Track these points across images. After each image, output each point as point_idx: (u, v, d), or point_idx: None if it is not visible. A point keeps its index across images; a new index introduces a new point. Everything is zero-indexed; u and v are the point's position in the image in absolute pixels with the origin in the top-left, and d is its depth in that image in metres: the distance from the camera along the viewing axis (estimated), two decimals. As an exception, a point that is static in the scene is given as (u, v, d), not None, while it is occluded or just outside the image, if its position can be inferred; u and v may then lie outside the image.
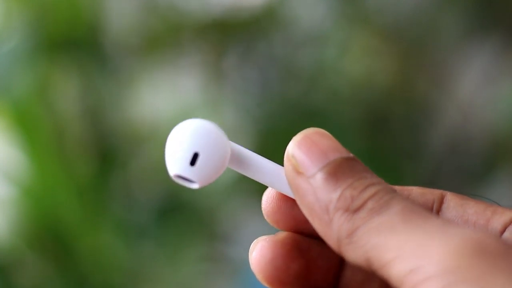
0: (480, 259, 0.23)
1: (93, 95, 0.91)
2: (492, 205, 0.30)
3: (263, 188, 0.33)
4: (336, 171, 0.28)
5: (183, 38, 0.96)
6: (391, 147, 0.97)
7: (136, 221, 0.89)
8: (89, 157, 0.89)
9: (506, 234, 0.29)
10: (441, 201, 0.31)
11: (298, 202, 0.29)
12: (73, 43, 0.89)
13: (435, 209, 0.31)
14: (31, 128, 0.85)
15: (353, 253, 0.27)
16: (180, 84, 0.95)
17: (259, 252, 0.31)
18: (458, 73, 0.99)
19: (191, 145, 0.29)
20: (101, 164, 0.89)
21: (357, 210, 0.27)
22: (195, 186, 0.30)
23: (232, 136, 0.94)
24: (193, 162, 0.29)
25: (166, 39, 0.94)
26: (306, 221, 0.31)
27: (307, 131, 0.30)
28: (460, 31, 0.99)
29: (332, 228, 0.27)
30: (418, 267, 0.24)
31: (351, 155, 0.29)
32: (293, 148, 0.29)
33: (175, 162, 0.29)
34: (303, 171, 0.28)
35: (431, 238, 0.24)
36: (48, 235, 0.85)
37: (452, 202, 0.31)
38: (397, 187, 0.32)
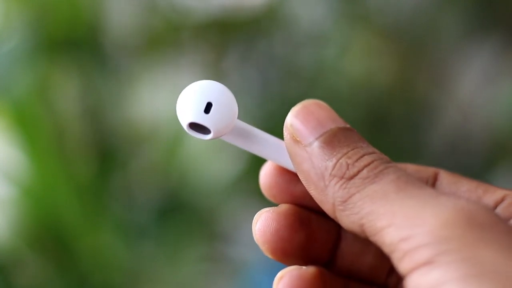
0: (471, 230, 0.24)
1: (93, 95, 0.91)
2: (484, 183, 0.31)
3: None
4: (332, 140, 0.29)
5: (183, 38, 0.96)
6: (391, 147, 0.97)
7: (136, 221, 0.89)
8: (89, 157, 0.89)
9: (497, 211, 0.30)
10: (434, 179, 0.32)
11: (296, 169, 0.29)
12: (73, 43, 0.89)
13: (429, 186, 0.31)
14: (31, 128, 0.85)
15: (348, 220, 0.27)
16: (180, 84, 0.95)
17: (264, 223, 0.31)
18: (458, 73, 0.99)
19: (204, 95, 0.30)
20: (101, 164, 0.89)
21: (351, 177, 0.27)
22: (208, 136, 0.30)
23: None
24: (207, 110, 0.30)
25: (166, 39, 0.94)
26: (302, 196, 0.32)
27: (305, 101, 0.30)
28: (460, 31, 0.99)
29: (327, 195, 0.28)
30: (410, 235, 0.24)
31: (348, 125, 0.30)
32: (291, 117, 0.30)
33: (189, 111, 0.30)
34: (300, 139, 0.29)
35: (424, 207, 0.25)
36: (48, 235, 0.85)
37: (446, 180, 0.32)
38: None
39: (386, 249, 0.25)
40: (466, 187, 0.31)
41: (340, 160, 0.28)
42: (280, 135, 0.31)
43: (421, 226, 0.24)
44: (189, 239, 0.90)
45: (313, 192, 0.29)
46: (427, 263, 0.24)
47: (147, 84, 0.94)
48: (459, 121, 0.99)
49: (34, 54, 0.87)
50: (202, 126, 0.30)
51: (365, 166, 0.27)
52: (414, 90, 1.00)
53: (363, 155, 0.28)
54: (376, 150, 0.29)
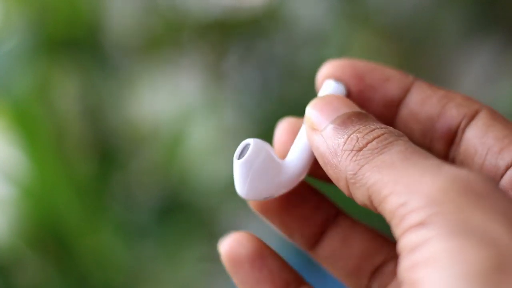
0: (464, 196, 0.24)
1: (93, 95, 0.91)
2: None
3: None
4: (345, 121, 0.29)
5: (183, 38, 0.96)
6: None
7: (136, 221, 0.89)
8: (89, 157, 0.89)
9: (511, 172, 0.30)
10: (472, 117, 0.32)
11: (315, 155, 0.30)
12: (73, 43, 0.89)
13: (463, 125, 0.32)
14: (31, 128, 0.85)
15: (358, 193, 0.27)
16: (180, 84, 0.95)
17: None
18: (458, 73, 0.99)
19: None
20: (101, 164, 0.89)
21: (361, 149, 0.28)
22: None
23: (232, 136, 0.94)
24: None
25: (166, 39, 0.94)
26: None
27: (325, 94, 0.31)
28: (460, 31, 0.99)
29: (340, 170, 0.28)
30: (406, 201, 0.25)
31: (365, 112, 0.30)
32: (309, 109, 0.31)
33: None
34: (316, 127, 0.30)
35: (424, 175, 0.25)
36: (48, 235, 0.85)
37: (481, 121, 0.31)
38: (442, 91, 0.33)
39: (387, 217, 0.26)
40: (494, 134, 0.31)
41: (351, 135, 0.28)
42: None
43: (418, 192, 0.24)
44: (189, 239, 0.90)
45: (329, 173, 0.29)
46: (419, 224, 0.24)
47: (147, 84, 0.94)
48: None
49: (34, 54, 0.87)
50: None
51: (375, 138, 0.28)
52: (414, 90, 1.00)
53: (374, 129, 0.28)
54: (388, 126, 0.29)
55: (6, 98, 0.85)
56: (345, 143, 0.28)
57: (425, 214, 0.24)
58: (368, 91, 0.34)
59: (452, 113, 0.32)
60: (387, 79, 0.34)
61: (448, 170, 0.25)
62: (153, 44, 0.94)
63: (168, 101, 0.93)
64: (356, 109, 0.30)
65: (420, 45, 1.00)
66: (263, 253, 0.31)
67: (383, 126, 0.28)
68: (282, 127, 0.34)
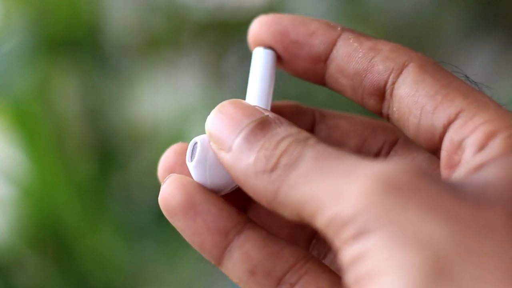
0: (390, 196, 0.23)
1: (93, 95, 0.91)
2: (448, 86, 0.29)
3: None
4: (248, 137, 0.27)
5: (183, 38, 0.96)
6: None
7: (136, 221, 0.89)
8: (89, 157, 0.89)
9: (448, 134, 0.28)
10: (400, 71, 0.30)
11: (230, 175, 0.28)
12: (73, 43, 0.89)
13: (391, 81, 0.30)
14: (31, 128, 0.85)
15: (285, 212, 0.26)
16: (180, 84, 0.95)
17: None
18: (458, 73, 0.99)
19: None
20: (101, 164, 0.89)
21: (273, 169, 0.26)
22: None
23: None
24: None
25: (166, 39, 0.94)
26: None
27: (221, 104, 0.29)
28: (460, 31, 0.99)
29: (259, 193, 0.27)
30: (335, 215, 0.24)
31: (265, 114, 0.28)
32: (208, 124, 0.29)
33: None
34: (221, 147, 0.28)
35: (343, 181, 0.24)
36: (48, 235, 0.85)
37: (409, 77, 0.29)
38: (369, 43, 0.30)
39: (322, 232, 0.25)
40: (426, 91, 0.29)
41: (259, 154, 0.26)
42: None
43: (343, 201, 0.23)
44: (189, 239, 0.90)
45: (249, 194, 0.27)
46: (353, 236, 0.23)
47: (147, 84, 0.94)
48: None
49: (34, 54, 0.87)
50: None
51: (283, 153, 0.26)
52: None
53: (279, 142, 0.26)
54: (292, 130, 0.27)
55: (6, 98, 0.85)
56: (254, 164, 0.26)
57: (356, 227, 0.23)
58: (294, 48, 0.32)
59: (379, 69, 0.30)
60: (313, 33, 0.32)
61: (365, 169, 0.24)
62: (153, 44, 0.94)
63: (168, 101, 0.92)
64: (257, 115, 0.28)
65: (420, 45, 1.00)
66: (195, 201, 0.29)
67: (286, 133, 0.27)
68: None
